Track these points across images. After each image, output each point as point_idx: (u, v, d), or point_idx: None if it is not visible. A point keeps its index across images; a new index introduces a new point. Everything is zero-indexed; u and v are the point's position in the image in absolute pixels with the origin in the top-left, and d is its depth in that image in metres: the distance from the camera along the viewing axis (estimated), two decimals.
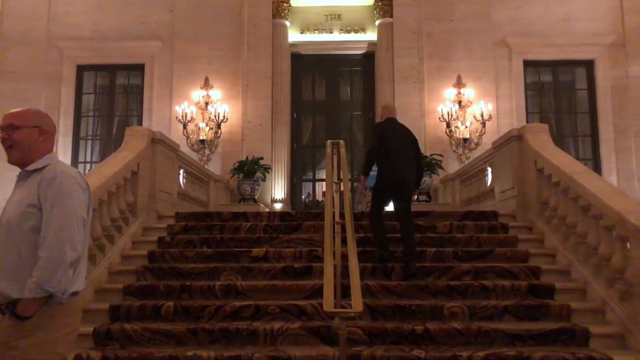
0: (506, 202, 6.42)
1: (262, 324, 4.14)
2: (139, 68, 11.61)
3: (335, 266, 4.64)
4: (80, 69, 11.66)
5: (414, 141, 5.75)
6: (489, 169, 7.53)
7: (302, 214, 6.13)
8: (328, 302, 2.86)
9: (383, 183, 5.32)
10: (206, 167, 10.72)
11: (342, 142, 6.03)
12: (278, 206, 10.83)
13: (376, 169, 5.48)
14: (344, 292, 4.37)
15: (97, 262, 4.75)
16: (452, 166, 10.50)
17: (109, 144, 11.49)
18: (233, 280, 4.81)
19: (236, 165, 10.33)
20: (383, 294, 4.53)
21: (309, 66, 11.92)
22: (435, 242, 5.43)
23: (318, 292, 4.36)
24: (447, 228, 5.72)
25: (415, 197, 6.18)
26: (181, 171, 7.63)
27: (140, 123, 11.47)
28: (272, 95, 11.26)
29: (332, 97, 11.77)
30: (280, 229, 5.76)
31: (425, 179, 9.94)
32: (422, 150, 10.67)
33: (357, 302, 2.79)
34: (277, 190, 10.97)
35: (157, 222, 6.05)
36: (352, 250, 3.53)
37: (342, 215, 4.58)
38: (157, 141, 6.22)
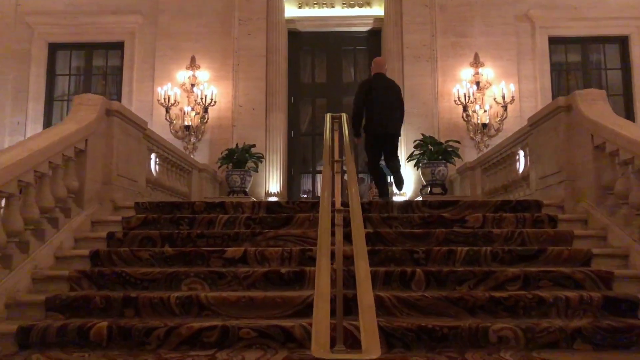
0: (548, 191, 5.15)
1: (231, 354, 2.90)
2: (117, 46, 10.39)
3: (334, 273, 3.43)
4: (53, 48, 10.45)
5: (397, 92, 7.05)
6: (521, 153, 6.26)
7: (294, 204, 4.87)
8: (320, 339, 1.62)
9: (370, 133, 6.62)
10: (192, 156, 9.50)
11: (344, 115, 4.81)
12: (273, 200, 9.57)
13: None
14: (347, 308, 3.14)
15: (13, 265, 3.51)
16: (470, 155, 9.24)
17: None
18: (197, 290, 3.57)
19: (224, 153, 9.09)
20: (401, 310, 3.28)
21: (308, 45, 10.66)
22: (467, 240, 4.17)
23: (311, 306, 3.09)
24: (480, 221, 4.46)
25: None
26: (153, 156, 6.38)
27: None
28: (267, 76, 10.01)
29: (334, 80, 10.51)
30: (266, 222, 4.51)
31: (440, 168, 8.69)
32: (436, 136, 9.45)
33: (370, 342, 1.56)
34: (272, 182, 9.72)
35: (113, 214, 4.80)
36: (361, 250, 2.29)
37: (345, 204, 3.32)
38: (115, 114, 4.98)
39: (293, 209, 4.83)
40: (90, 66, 10.50)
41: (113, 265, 3.93)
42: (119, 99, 10.20)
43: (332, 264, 3.70)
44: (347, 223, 4.14)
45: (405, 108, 9.94)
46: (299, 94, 10.51)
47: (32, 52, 10.20)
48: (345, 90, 10.43)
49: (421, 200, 4.89)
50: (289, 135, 10.25)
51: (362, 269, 2.14)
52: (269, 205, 4.89)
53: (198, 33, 10.10)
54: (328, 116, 4.78)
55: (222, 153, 9.15)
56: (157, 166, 6.55)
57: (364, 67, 10.71)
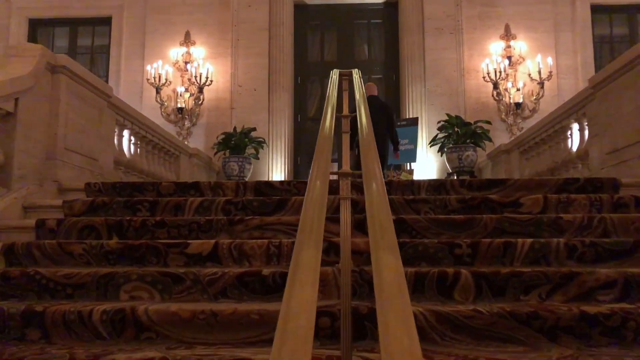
0: (623, 168, 3.96)
1: None
2: (105, 22, 9.33)
3: (335, 272, 2.38)
4: (34, 24, 9.42)
5: (387, 114, 6.55)
6: (575, 126, 5.06)
7: (290, 184, 3.74)
8: None
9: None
10: (186, 142, 8.42)
11: (356, 70, 3.74)
12: None
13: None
14: (359, 329, 2.03)
15: None
16: (501, 140, 8.03)
17: None
18: (139, 301, 2.46)
19: (220, 138, 7.99)
20: (443, 334, 2.12)
21: (317, 18, 9.53)
22: (526, 229, 3.00)
23: None
24: (540, 205, 3.28)
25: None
26: (126, 133, 5.29)
27: None
28: (270, 53, 8.90)
29: (346, 57, 9.35)
30: (250, 207, 3.38)
31: (469, 153, 7.49)
32: (463, 116, 8.26)
33: None
34: (276, 171, 8.60)
35: (56, 197, 3.71)
36: (385, 235, 1.15)
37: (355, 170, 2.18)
38: (62, 70, 3.89)
39: (288, 191, 3.69)
40: (75, 45, 9.47)
41: (34, 264, 2.83)
42: (107, 80, 9.17)
43: (335, 263, 2.59)
44: (356, 208, 3.01)
45: (427, 86, 8.82)
46: (306, 73, 9.38)
47: (11, 29, 9.20)
48: (358, 69, 9.24)
49: (458, 180, 3.72)
50: (295, 119, 9.13)
51: (389, 267, 1.02)
52: (257, 186, 3.75)
53: (193, 5, 9.02)
54: (335, 72, 3.70)
55: (217, 137, 8.06)
56: (132, 146, 5.47)
57: (378, 43, 9.56)
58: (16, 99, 3.45)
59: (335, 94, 3.00)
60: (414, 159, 7.91)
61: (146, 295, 2.52)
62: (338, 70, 3.71)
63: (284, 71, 8.90)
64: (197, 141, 8.64)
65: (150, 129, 5.74)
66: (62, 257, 2.84)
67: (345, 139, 2.68)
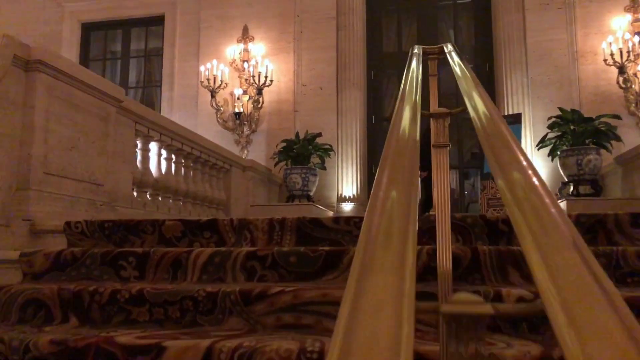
0: None
1: None
2: (158, 21, 8.52)
3: None
4: (87, 28, 8.79)
5: None
6: None
7: (350, 223, 2.46)
8: None
9: None
10: (245, 151, 7.39)
11: (451, 46, 2.45)
12: (348, 207, 7.20)
13: None
14: None
15: None
16: (630, 138, 6.28)
17: None
18: None
19: (281, 146, 6.85)
20: None
21: (393, 2, 8.17)
22: None
23: None
24: None
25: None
26: (154, 145, 4.26)
27: (158, 94, 8.40)
28: (338, 45, 7.67)
29: (428, 45, 7.91)
30: (285, 265, 2.13)
31: (591, 157, 5.85)
32: (578, 110, 6.58)
33: None
34: (346, 182, 7.34)
35: (27, 244, 2.66)
36: None
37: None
38: (39, 67, 2.84)
39: (347, 233, 2.41)
40: (128, 48, 8.74)
41: None
42: (160, 85, 8.36)
43: None
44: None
45: (530, 75, 7.21)
46: (382, 66, 8.05)
47: (63, 34, 8.61)
48: (443, 59, 7.80)
49: (628, 215, 2.25)
50: (368, 120, 7.83)
51: None
52: (299, 225, 2.49)
53: None
54: (417, 48, 2.46)
55: (277, 146, 6.92)
56: (163, 162, 4.43)
57: (467, 26, 8.05)
58: None
59: (415, 82, 1.69)
60: None
61: None
62: (421, 47, 2.44)
63: (354, 65, 7.63)
64: (258, 150, 7.58)
65: (188, 140, 4.67)
66: None
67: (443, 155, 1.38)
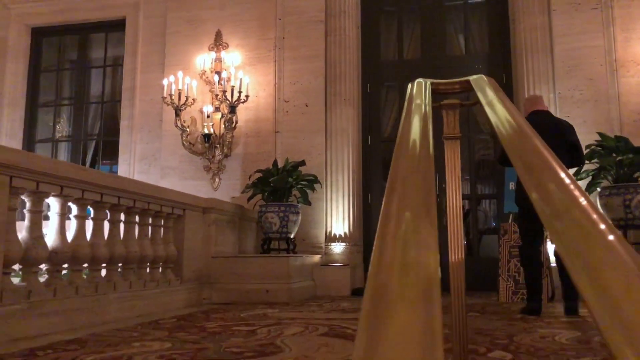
0: None
1: None
2: (118, 26, 7.32)
3: None
4: (37, 34, 7.60)
5: (566, 140, 3.94)
6: None
7: None
8: None
9: (521, 203, 4.02)
10: (216, 179, 6.21)
11: (482, 79, 1.15)
12: (338, 249, 5.98)
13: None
14: None
15: None
16: None
17: (77, 150, 7.32)
18: None
19: (255, 177, 5.64)
20: None
21: (392, 3, 6.95)
22: None
23: None
24: None
25: None
26: (55, 203, 3.06)
27: (118, 109, 7.21)
28: (327, 52, 6.45)
29: (433, 53, 6.69)
30: None
31: None
32: (619, 133, 5.38)
33: None
34: (336, 219, 6.11)
35: None
36: None
37: None
38: None
39: None
40: (86, 56, 7.55)
41: None
42: (119, 101, 7.16)
43: None
44: None
45: (558, 89, 5.98)
46: (379, 78, 6.82)
47: (9, 41, 7.42)
48: (451, 69, 6.57)
49: None
50: (363, 142, 6.61)
51: None
52: None
53: None
54: (417, 85, 1.17)
55: (250, 178, 5.72)
56: (73, 221, 3.22)
57: (479, 30, 6.82)
58: None
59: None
60: None
61: None
62: (424, 82, 1.21)
63: (346, 77, 6.41)
64: (232, 178, 6.38)
65: (112, 189, 3.45)
66: None
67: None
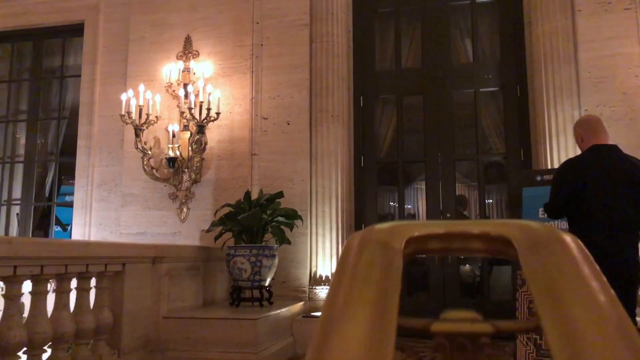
0: None
1: None
2: (76, 31, 6.43)
3: None
4: None
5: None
6: None
7: None
8: None
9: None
10: (183, 210, 5.34)
11: None
12: (324, 293, 5.07)
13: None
14: None
15: None
16: None
17: (30, 173, 6.43)
18: None
19: (222, 213, 4.74)
20: None
21: (388, 4, 6.04)
22: None
23: None
24: None
25: None
26: None
27: (75, 127, 6.31)
28: (312, 62, 5.55)
29: (436, 61, 5.77)
30: None
31: None
32: None
33: None
34: (322, 257, 5.21)
35: None
36: None
37: None
38: None
39: None
40: (40, 65, 6.66)
41: None
42: (75, 119, 6.27)
43: None
44: None
45: (584, 105, 5.07)
46: (374, 90, 5.90)
47: None
48: (457, 79, 5.67)
49: None
50: (355, 165, 5.70)
51: None
52: None
53: None
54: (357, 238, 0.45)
55: (216, 214, 4.82)
56: None
57: (489, 36, 5.89)
58: None
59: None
60: None
61: None
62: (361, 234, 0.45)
63: (335, 90, 5.49)
64: (202, 207, 5.49)
65: (5, 258, 2.56)
66: None
67: None
